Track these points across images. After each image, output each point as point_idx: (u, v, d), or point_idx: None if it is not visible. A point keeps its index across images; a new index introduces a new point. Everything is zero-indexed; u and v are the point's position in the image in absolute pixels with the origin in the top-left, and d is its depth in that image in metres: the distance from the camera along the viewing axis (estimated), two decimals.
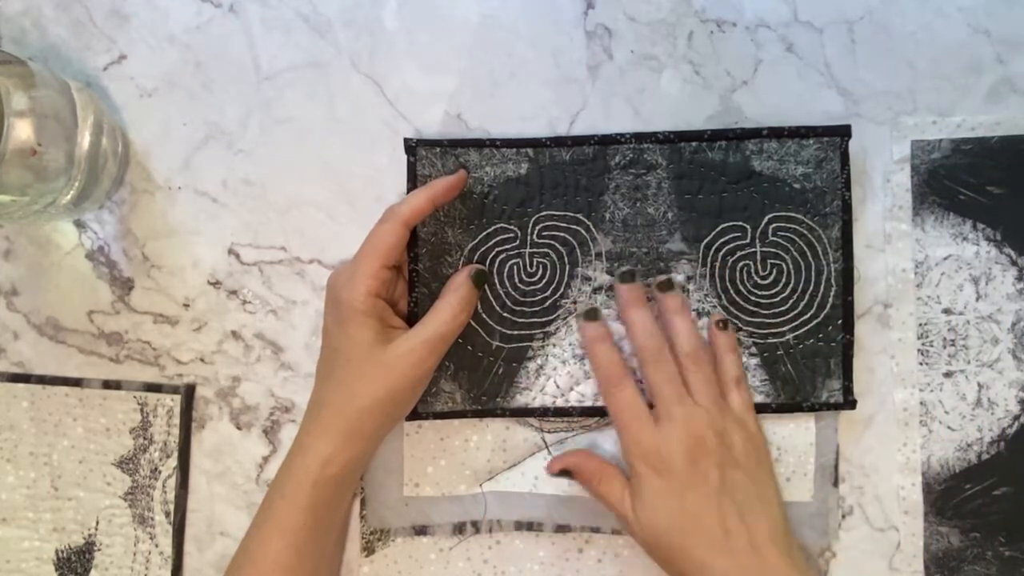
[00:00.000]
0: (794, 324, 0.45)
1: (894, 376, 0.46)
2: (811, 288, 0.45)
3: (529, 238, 0.46)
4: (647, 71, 0.47)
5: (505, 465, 0.47)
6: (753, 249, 0.45)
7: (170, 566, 0.48)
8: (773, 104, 0.46)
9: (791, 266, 0.45)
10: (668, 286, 0.45)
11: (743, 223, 0.45)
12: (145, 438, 0.49)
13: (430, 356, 0.42)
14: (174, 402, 0.48)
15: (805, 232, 0.45)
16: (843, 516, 0.47)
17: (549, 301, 0.46)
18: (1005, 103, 0.46)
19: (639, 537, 0.42)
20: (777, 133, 0.45)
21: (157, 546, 0.49)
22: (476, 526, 0.47)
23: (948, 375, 0.46)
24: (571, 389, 0.46)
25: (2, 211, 0.42)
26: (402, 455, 0.47)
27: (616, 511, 0.43)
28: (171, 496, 0.48)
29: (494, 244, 0.46)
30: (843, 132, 0.45)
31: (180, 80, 0.48)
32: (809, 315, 0.45)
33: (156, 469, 0.48)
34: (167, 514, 0.48)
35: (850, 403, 0.45)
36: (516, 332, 0.46)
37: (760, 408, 0.45)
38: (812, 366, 0.45)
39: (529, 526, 0.47)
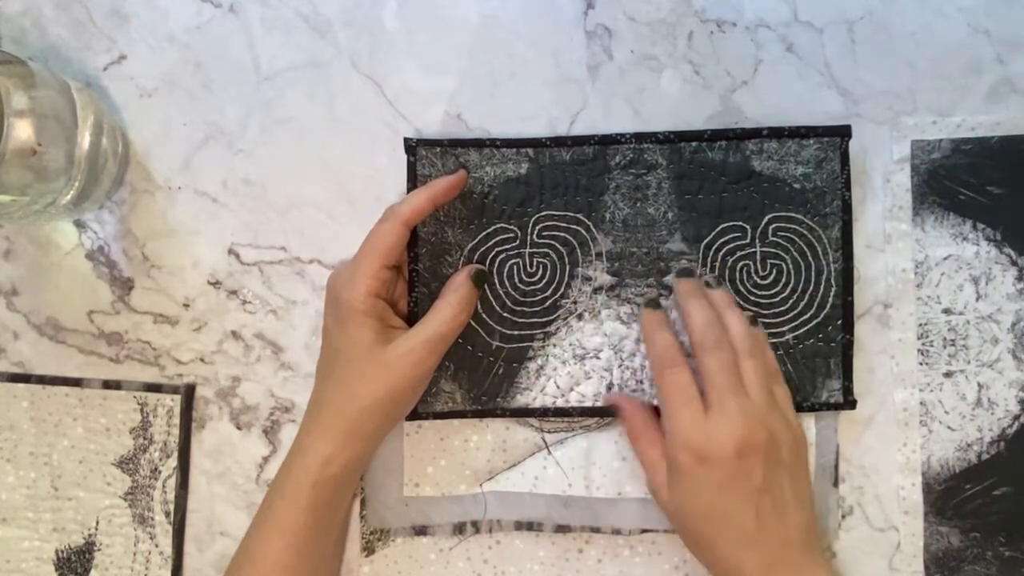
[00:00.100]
0: (794, 324, 0.45)
1: (894, 376, 0.46)
2: (811, 288, 0.45)
3: (529, 238, 0.46)
4: (647, 71, 0.47)
5: (505, 465, 0.47)
6: (753, 249, 0.45)
7: (170, 566, 0.48)
8: (773, 104, 0.46)
9: (791, 266, 0.45)
10: (716, 284, 0.45)
11: (743, 223, 0.45)
12: (145, 438, 0.49)
13: (430, 356, 0.42)
14: (174, 402, 0.48)
15: (805, 232, 0.45)
16: (843, 516, 0.47)
17: (549, 301, 0.46)
18: (1005, 103, 0.46)
19: (667, 510, 0.42)
20: (777, 133, 0.45)
21: (157, 546, 0.49)
22: (476, 526, 0.47)
23: (948, 375, 0.46)
24: (571, 389, 0.46)
25: (2, 211, 0.42)
26: (402, 455, 0.47)
27: (648, 476, 0.43)
28: (171, 496, 0.48)
29: (494, 244, 0.46)
30: (843, 132, 0.45)
31: (180, 80, 0.48)
32: (809, 315, 0.45)
33: (156, 469, 0.48)
34: (167, 514, 0.48)
35: (850, 403, 0.45)
36: (516, 332, 0.46)
37: None
38: (812, 366, 0.45)
39: (529, 526, 0.47)
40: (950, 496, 0.46)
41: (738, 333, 0.42)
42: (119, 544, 0.49)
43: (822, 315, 0.45)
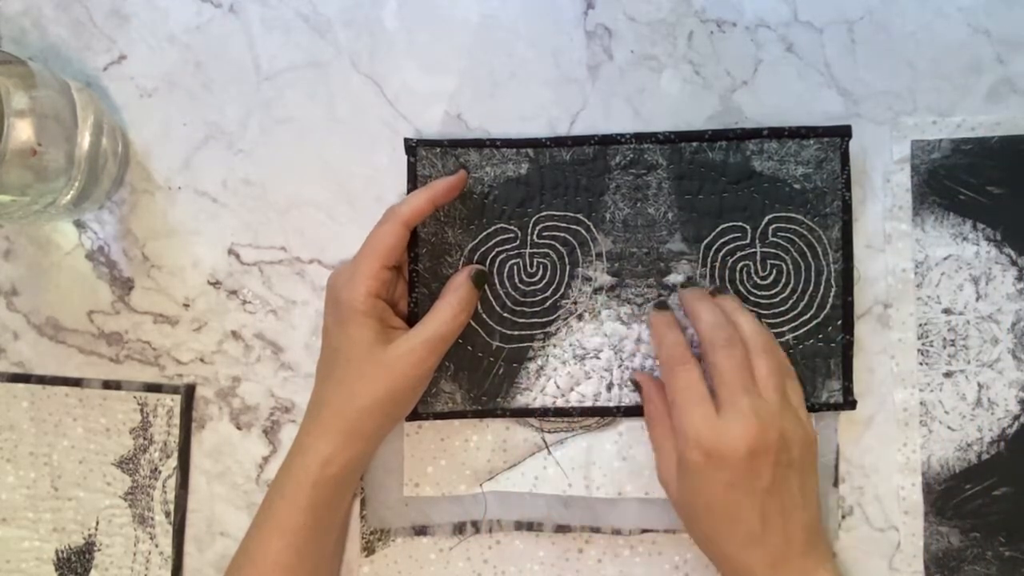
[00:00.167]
0: (794, 324, 0.45)
1: (894, 376, 0.46)
2: (811, 288, 0.45)
3: (529, 238, 0.46)
4: (647, 71, 0.47)
5: (505, 465, 0.47)
6: (753, 249, 0.45)
7: (170, 566, 0.48)
8: (773, 104, 0.46)
9: (791, 266, 0.45)
10: (722, 291, 0.45)
11: (743, 223, 0.45)
12: (145, 438, 0.49)
13: (430, 356, 0.42)
14: (174, 402, 0.48)
15: (805, 232, 0.45)
16: (843, 516, 0.47)
17: (549, 301, 0.46)
18: (1005, 103, 0.46)
19: (673, 501, 0.42)
20: (777, 133, 0.45)
21: (157, 546, 0.49)
22: (476, 526, 0.47)
23: (948, 375, 0.46)
24: (571, 389, 0.46)
25: (2, 211, 0.42)
26: (402, 455, 0.47)
27: (659, 466, 0.43)
28: (171, 496, 0.48)
29: (494, 244, 0.46)
30: (843, 132, 0.45)
31: (180, 80, 0.48)
32: (809, 315, 0.45)
33: (156, 469, 0.48)
34: (167, 514, 0.48)
35: (850, 403, 0.45)
36: (516, 332, 0.46)
37: None
38: (812, 366, 0.45)
39: (529, 526, 0.47)
40: (950, 496, 0.46)
41: (750, 331, 0.42)
42: (119, 544, 0.49)
43: (822, 315, 0.45)
